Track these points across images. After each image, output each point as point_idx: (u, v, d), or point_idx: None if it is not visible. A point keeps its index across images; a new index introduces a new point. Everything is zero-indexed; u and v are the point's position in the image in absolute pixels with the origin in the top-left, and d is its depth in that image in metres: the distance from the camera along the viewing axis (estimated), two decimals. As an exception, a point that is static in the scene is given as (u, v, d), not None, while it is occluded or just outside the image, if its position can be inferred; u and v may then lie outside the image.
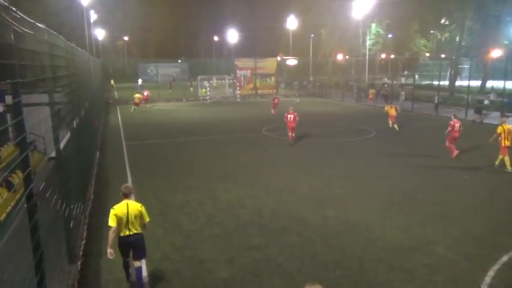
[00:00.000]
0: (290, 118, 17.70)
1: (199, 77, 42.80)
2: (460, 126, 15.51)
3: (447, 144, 15.72)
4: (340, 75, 53.88)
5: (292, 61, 56.02)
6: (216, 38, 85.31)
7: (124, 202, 6.44)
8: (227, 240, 8.43)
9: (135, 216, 6.41)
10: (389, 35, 71.50)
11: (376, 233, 8.76)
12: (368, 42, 59.01)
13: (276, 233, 8.76)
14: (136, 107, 31.53)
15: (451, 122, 15.65)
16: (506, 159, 13.45)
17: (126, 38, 78.80)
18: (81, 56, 13.34)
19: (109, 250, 6.25)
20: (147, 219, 6.53)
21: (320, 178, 12.87)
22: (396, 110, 22.15)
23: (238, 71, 42.32)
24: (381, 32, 68.53)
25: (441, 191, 11.49)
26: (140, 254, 6.58)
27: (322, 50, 69.41)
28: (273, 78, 44.17)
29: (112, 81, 49.36)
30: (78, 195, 8.49)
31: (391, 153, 16.33)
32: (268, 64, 43.64)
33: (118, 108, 33.34)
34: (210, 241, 8.37)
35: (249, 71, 42.45)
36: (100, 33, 58.82)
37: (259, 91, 41.98)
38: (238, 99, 38.91)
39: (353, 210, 10.10)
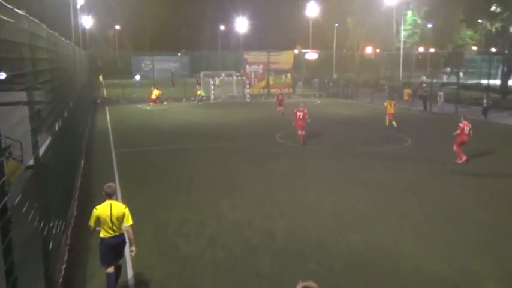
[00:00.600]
0: (299, 116, 18.79)
1: (202, 73, 42.37)
2: (470, 130, 16.26)
3: (455, 148, 16.51)
4: (370, 72, 53.43)
5: (312, 55, 55.17)
6: (222, 28, 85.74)
7: (107, 203, 6.93)
8: (232, 267, 8.39)
9: (118, 218, 6.94)
10: (429, 25, 71.09)
11: (412, 263, 8.65)
12: (403, 34, 58.69)
13: (290, 259, 8.71)
14: (152, 105, 32.68)
15: (460, 125, 16.45)
16: None
17: (117, 27, 79.09)
18: (65, 47, 13.52)
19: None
20: (130, 221, 6.99)
21: (344, 195, 12.70)
22: (395, 106, 24.14)
23: (248, 66, 41.93)
24: (419, 21, 68.23)
25: (490, 212, 11.35)
26: (120, 254, 7.26)
27: (348, 42, 69.06)
28: (288, 75, 43.51)
29: (100, 77, 49.56)
30: (59, 211, 8.52)
31: (429, 166, 16.12)
32: (284, 58, 43.09)
33: (107, 108, 33.43)
34: (212, 268, 8.34)
35: (261, 66, 42.02)
36: (87, 21, 58.25)
37: (273, 90, 40.99)
38: (248, 100, 38.77)
39: (383, 234, 9.97)
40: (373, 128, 24.23)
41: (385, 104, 24.69)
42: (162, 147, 19.27)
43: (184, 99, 38.07)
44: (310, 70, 55.14)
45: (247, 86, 40.14)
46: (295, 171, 15.58)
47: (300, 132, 18.87)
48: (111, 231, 6.91)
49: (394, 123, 23.48)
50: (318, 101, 38.97)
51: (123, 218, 6.94)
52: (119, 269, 7.32)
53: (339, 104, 37.68)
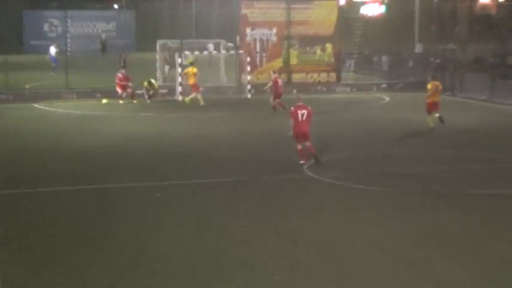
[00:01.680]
0: (301, 116, 15.11)
1: (159, 42, 30.11)
2: None
3: None
4: (487, 41, 36.63)
5: (373, 7, 37.25)
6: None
7: None
8: None
9: None
10: None
11: None
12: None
13: None
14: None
15: None
16: None
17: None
18: None
19: None
20: None
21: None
22: (438, 89, 19.62)
23: (249, 31, 29.34)
24: None
25: None
26: None
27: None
28: (328, 47, 30.42)
29: None
30: None
31: None
32: (318, 15, 29.68)
33: None
34: None
35: (274, 30, 29.48)
36: None
37: (296, 76, 28.89)
38: (249, 94, 27.67)
39: None
40: (502, 148, 18.01)
41: (429, 88, 19.89)
42: (81, 187, 13.15)
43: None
44: (370, 38, 38.22)
45: (248, 69, 27.72)
46: (341, 238, 9.93)
47: (299, 146, 15.19)
48: None
49: (437, 117, 19.49)
50: (387, 98, 28.16)
51: None
52: None
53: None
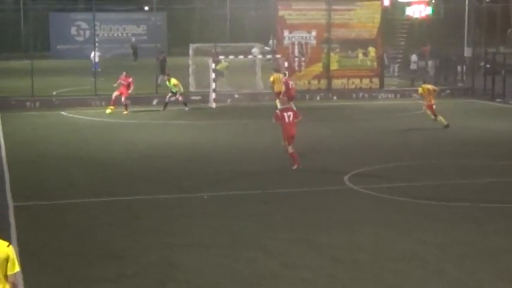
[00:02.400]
0: (288, 118, 15.67)
1: (191, 46, 30.54)
2: None
3: None
4: None
5: (419, 8, 34.91)
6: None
7: None
8: None
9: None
10: None
11: None
12: None
13: None
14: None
15: None
16: None
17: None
18: None
19: None
20: (16, 268, 6.56)
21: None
22: (434, 92, 20.89)
23: (286, 34, 29.65)
24: None
25: None
26: None
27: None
28: (371, 50, 30.47)
29: None
30: None
31: None
32: (361, 17, 29.51)
33: None
34: None
35: (313, 32, 29.31)
36: None
37: (336, 82, 28.70)
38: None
39: None
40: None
41: (420, 91, 21.61)
42: (106, 199, 13.44)
43: (156, 101, 28.21)
44: (415, 40, 37.59)
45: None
46: (387, 255, 9.72)
47: (289, 146, 15.76)
48: None
49: (441, 118, 20.53)
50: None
51: (6, 264, 6.49)
52: None
53: (478, 110, 25.78)
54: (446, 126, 20.24)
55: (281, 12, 29.09)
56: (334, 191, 14.91)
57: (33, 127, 23.29)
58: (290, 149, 15.76)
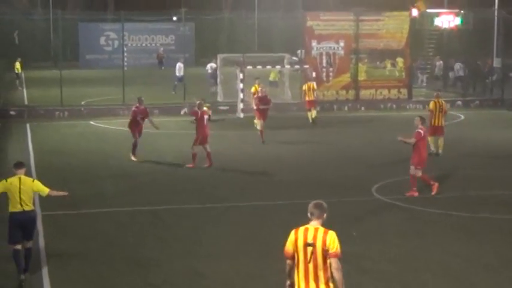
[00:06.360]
0: (206, 120, 17.44)
1: (219, 56, 30.76)
2: None
3: None
4: None
5: (447, 19, 34.55)
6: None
7: (16, 176, 8.87)
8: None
9: (27, 192, 8.88)
10: None
11: None
12: None
13: None
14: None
15: None
16: None
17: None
18: None
19: None
20: (46, 190, 9.22)
21: None
22: (442, 111, 18.86)
23: (314, 45, 29.91)
24: None
25: None
26: (31, 234, 9.02)
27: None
28: (399, 61, 30.47)
29: (17, 64, 36.43)
30: None
31: None
32: (389, 27, 29.49)
33: (28, 127, 24.48)
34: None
35: (341, 42, 29.43)
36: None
37: (366, 91, 28.89)
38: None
39: None
40: None
41: (430, 106, 19.26)
42: (133, 208, 13.32)
43: (184, 110, 28.48)
44: (444, 51, 37.00)
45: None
46: (415, 266, 9.72)
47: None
48: (18, 206, 8.72)
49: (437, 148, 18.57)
50: (462, 116, 27.11)
51: (33, 192, 8.97)
52: (29, 253, 8.87)
53: (508, 120, 25.34)
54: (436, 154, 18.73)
55: (309, 23, 29.31)
56: (362, 202, 14.71)
57: (61, 137, 23.49)
58: (195, 150, 17.07)
